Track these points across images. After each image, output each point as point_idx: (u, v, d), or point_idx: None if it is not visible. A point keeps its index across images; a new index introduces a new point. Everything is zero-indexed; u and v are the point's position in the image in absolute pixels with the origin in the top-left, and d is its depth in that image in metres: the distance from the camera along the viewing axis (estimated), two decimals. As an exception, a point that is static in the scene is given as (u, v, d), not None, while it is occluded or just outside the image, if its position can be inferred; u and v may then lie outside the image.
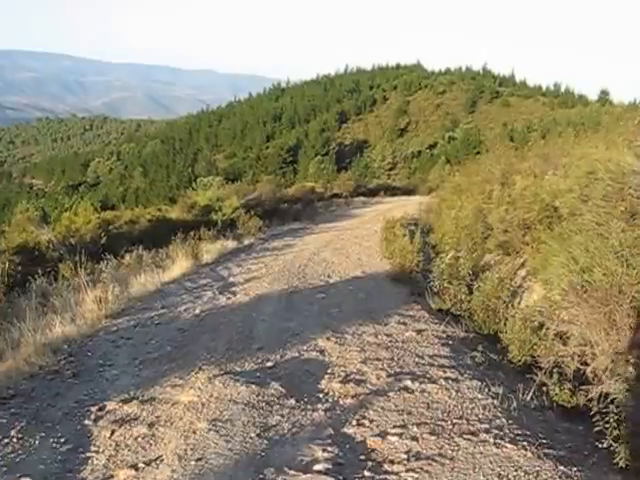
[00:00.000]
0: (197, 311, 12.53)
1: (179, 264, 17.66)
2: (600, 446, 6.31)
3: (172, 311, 12.65)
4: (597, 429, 6.44)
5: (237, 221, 27.30)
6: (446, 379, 8.02)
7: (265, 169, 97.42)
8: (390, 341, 9.99)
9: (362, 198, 54.06)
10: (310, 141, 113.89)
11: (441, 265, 13.29)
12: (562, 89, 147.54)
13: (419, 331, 10.59)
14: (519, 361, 8.90)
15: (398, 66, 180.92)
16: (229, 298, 13.83)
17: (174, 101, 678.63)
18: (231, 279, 16.48)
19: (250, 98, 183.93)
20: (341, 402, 7.47)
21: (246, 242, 24.86)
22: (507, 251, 15.56)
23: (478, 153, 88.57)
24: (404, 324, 11.16)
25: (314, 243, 24.40)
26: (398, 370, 8.48)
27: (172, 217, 26.78)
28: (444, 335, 10.50)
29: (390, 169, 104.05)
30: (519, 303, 11.49)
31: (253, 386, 7.85)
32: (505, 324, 10.00)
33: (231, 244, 23.37)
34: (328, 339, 10.11)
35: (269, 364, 9.00)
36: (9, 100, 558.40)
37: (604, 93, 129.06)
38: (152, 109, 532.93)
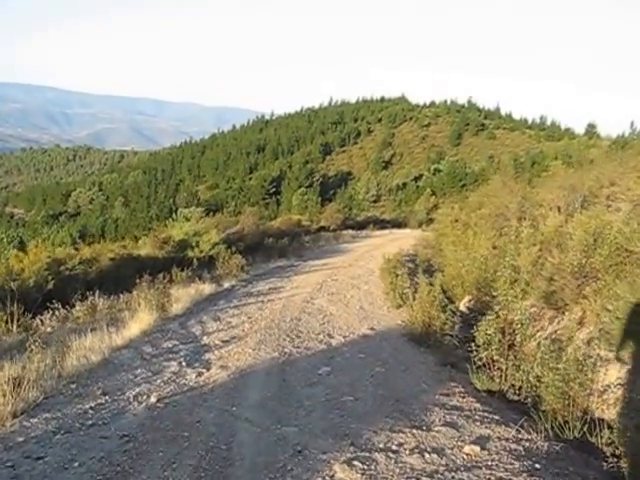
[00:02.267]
0: (153, 399, 8.60)
1: (140, 318, 13.81)
2: None
3: (117, 399, 8.72)
4: None
5: (216, 259, 23.46)
6: None
7: (248, 200, 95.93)
8: (446, 467, 6.31)
9: (351, 231, 51.07)
10: (294, 172, 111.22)
11: (488, 330, 9.56)
12: (548, 122, 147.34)
13: (482, 442, 6.92)
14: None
15: (383, 99, 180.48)
16: (200, 374, 9.93)
17: (158, 133, 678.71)
18: (205, 340, 12.62)
19: (234, 130, 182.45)
20: None
21: (226, 285, 20.90)
22: (555, 304, 11.97)
23: (464, 186, 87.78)
24: (454, 426, 7.50)
25: (305, 286, 20.65)
26: None
27: (141, 254, 22.99)
28: (521, 449, 6.83)
29: (374, 201, 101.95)
30: (597, 383, 8.19)
31: None
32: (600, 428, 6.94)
33: (208, 288, 19.38)
34: (349, 465, 6.35)
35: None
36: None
37: (591, 126, 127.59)
38: (136, 141, 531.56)
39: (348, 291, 19.57)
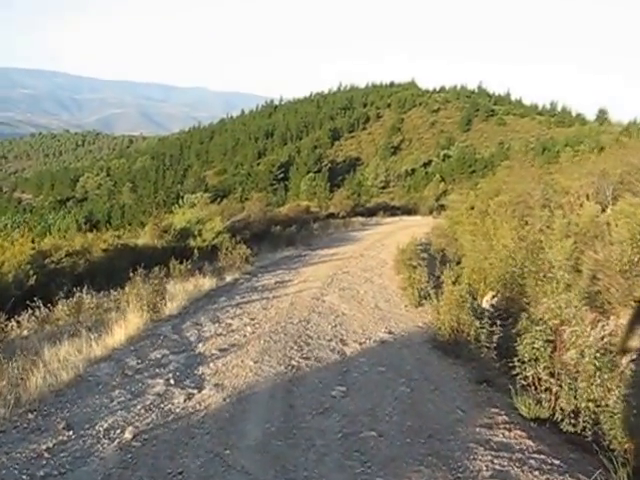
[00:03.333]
0: (128, 435, 6.78)
1: (129, 320, 12.02)
2: None
3: (83, 434, 6.89)
4: None
5: (219, 249, 21.63)
6: None
7: (256, 186, 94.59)
8: None
9: (360, 218, 49.50)
10: (302, 158, 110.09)
11: (536, 342, 7.82)
12: (559, 108, 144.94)
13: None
14: None
15: (392, 84, 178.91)
16: (189, 396, 8.15)
17: (167, 118, 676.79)
18: (200, 348, 10.84)
19: (242, 115, 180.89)
20: None
21: (229, 278, 18.99)
22: (599, 306, 10.28)
23: (474, 172, 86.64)
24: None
25: (314, 280, 18.83)
26: None
27: (138, 244, 21.23)
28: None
29: (383, 187, 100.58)
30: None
31: None
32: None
33: (208, 282, 17.44)
34: None
35: None
36: (4, 116, 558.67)
37: (602, 112, 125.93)
38: (145, 126, 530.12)
39: (361, 285, 17.87)
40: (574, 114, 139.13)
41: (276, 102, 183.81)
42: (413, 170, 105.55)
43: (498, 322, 10.00)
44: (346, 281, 18.58)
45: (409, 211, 61.76)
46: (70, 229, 54.03)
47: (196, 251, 20.37)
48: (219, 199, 52.55)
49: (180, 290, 15.73)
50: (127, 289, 14.65)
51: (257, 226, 30.75)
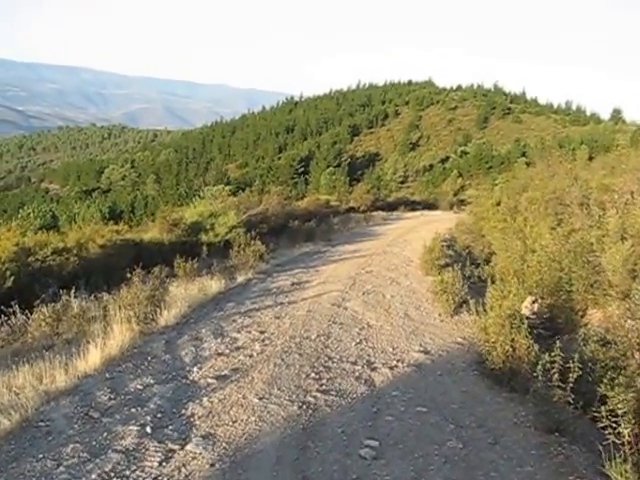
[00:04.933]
0: None
1: (113, 335, 9.64)
2: None
3: None
4: None
5: (233, 245, 19.23)
6: None
7: (277, 179, 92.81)
8: None
9: (381, 213, 47.06)
10: (322, 153, 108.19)
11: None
12: (574, 107, 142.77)
13: None
14: None
15: (410, 82, 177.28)
16: (168, 456, 5.75)
17: (191, 113, 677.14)
18: (194, 374, 8.47)
19: (264, 111, 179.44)
20: None
21: (240, 279, 16.47)
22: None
23: (490, 168, 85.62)
24: None
25: (335, 281, 16.40)
26: None
27: (143, 239, 18.92)
28: None
29: (402, 182, 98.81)
30: None
31: None
32: None
33: (216, 284, 14.89)
34: None
35: None
36: (33, 109, 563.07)
37: (617, 112, 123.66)
38: (169, 121, 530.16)
39: (386, 288, 15.43)
40: (588, 113, 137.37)
41: (296, 99, 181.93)
42: (431, 166, 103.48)
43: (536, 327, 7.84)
44: (370, 282, 16.17)
45: (429, 206, 59.57)
46: (94, 218, 52.82)
47: (205, 248, 17.96)
48: (241, 191, 51.13)
49: (182, 294, 13.34)
50: (122, 292, 12.33)
51: (275, 220, 28.52)
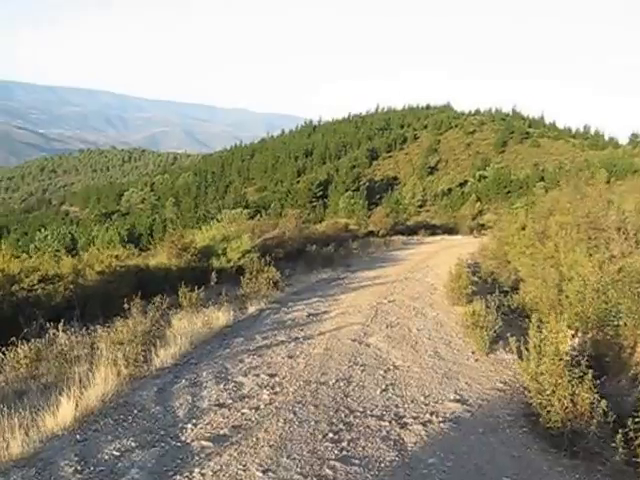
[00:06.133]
0: None
1: (96, 379, 8.13)
2: None
3: None
4: None
5: (245, 271, 17.71)
6: None
7: (295, 203, 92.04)
8: None
9: (401, 237, 45.85)
10: (341, 176, 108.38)
11: None
12: (592, 131, 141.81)
13: None
14: None
15: (428, 106, 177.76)
16: None
17: (210, 137, 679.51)
18: (186, 434, 6.88)
19: (283, 134, 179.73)
20: None
21: (251, 309, 14.92)
22: None
23: (509, 192, 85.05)
24: None
25: (355, 311, 14.84)
26: None
27: (149, 265, 17.49)
28: None
29: (420, 206, 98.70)
30: None
31: None
32: None
33: (224, 316, 13.27)
34: None
35: None
36: (55, 132, 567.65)
37: (635, 136, 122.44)
38: (189, 144, 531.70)
39: (411, 320, 13.86)
40: (607, 138, 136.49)
41: (315, 123, 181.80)
42: (449, 190, 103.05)
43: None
44: (393, 314, 14.61)
45: (449, 230, 58.38)
46: (112, 241, 52.20)
47: (214, 274, 16.42)
48: (258, 215, 50.32)
49: (185, 327, 11.78)
50: (116, 326, 10.89)
51: (292, 244, 27.14)
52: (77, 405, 7.38)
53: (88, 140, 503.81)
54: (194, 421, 7.31)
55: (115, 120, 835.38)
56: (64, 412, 7.12)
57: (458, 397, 8.33)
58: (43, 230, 66.29)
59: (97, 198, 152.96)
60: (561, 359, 7.02)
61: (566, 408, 6.70)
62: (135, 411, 7.64)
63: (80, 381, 8.15)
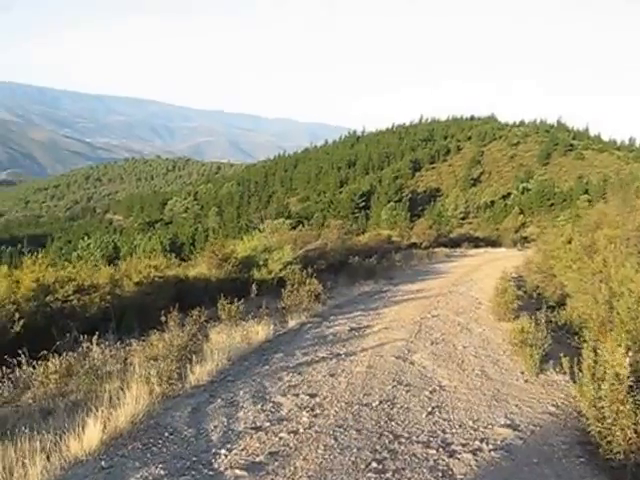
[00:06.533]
0: None
1: (128, 399, 7.63)
2: None
3: None
4: None
5: (286, 283, 17.26)
6: None
7: (337, 213, 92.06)
8: None
9: (444, 249, 45.28)
10: (383, 187, 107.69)
11: None
12: (637, 143, 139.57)
13: None
14: None
15: (472, 117, 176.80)
16: None
17: (254, 147, 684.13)
18: (219, 461, 6.36)
19: (326, 145, 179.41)
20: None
21: (292, 323, 14.54)
22: None
23: (552, 205, 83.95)
24: None
25: (398, 326, 14.30)
26: None
27: (188, 276, 17.14)
28: None
29: (462, 218, 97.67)
30: None
31: None
32: None
33: (264, 330, 12.85)
34: None
35: None
36: (101, 141, 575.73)
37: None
38: (233, 154, 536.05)
39: (457, 336, 13.29)
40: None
41: (359, 133, 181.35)
42: (492, 202, 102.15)
43: None
44: (437, 329, 14.08)
45: (492, 243, 57.66)
46: (155, 250, 52.15)
47: (255, 286, 16.01)
48: (301, 225, 50.06)
49: (223, 342, 11.33)
50: (152, 339, 10.50)
51: (334, 256, 26.68)
52: (105, 427, 6.93)
53: (134, 149, 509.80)
54: (228, 446, 6.84)
55: (161, 129, 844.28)
56: (90, 435, 6.68)
57: (508, 422, 7.77)
58: (86, 238, 66.50)
59: (141, 207, 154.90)
60: (622, 383, 6.48)
61: (629, 439, 6.17)
62: (166, 434, 7.20)
63: (110, 399, 7.74)
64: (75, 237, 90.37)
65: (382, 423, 7.62)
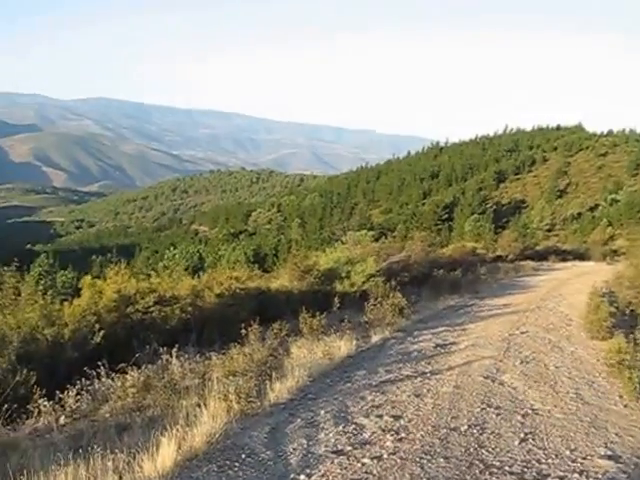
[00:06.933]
0: None
1: (204, 417, 7.33)
2: None
3: None
4: None
5: (370, 296, 16.83)
6: None
7: (420, 225, 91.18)
8: None
9: (531, 262, 43.95)
10: (467, 199, 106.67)
11: None
12: None
13: None
14: None
15: (559, 127, 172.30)
16: None
17: (336, 158, 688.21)
18: None
19: (408, 156, 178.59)
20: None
21: (375, 338, 14.01)
22: None
23: None
24: None
25: (485, 343, 13.70)
26: None
27: (270, 288, 16.88)
28: None
29: (548, 230, 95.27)
30: None
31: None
32: None
33: (346, 345, 12.39)
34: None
35: None
36: (187, 154, 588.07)
37: None
38: (316, 165, 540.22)
39: (548, 355, 12.59)
40: None
41: (442, 144, 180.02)
42: (579, 214, 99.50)
43: None
44: (527, 347, 13.41)
45: (580, 256, 55.88)
46: (239, 261, 52.55)
47: (336, 300, 15.59)
48: (383, 237, 49.65)
49: (304, 357, 10.99)
50: (232, 353, 10.21)
51: (417, 268, 26.19)
52: (179, 447, 6.64)
53: (219, 161, 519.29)
54: (308, 471, 6.43)
55: (245, 142, 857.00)
56: (164, 454, 6.39)
57: (609, 452, 7.14)
58: (172, 249, 67.49)
59: (225, 218, 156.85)
60: None
61: None
62: (243, 456, 6.82)
63: (187, 416, 7.46)
64: (162, 247, 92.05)
65: (471, 450, 7.12)
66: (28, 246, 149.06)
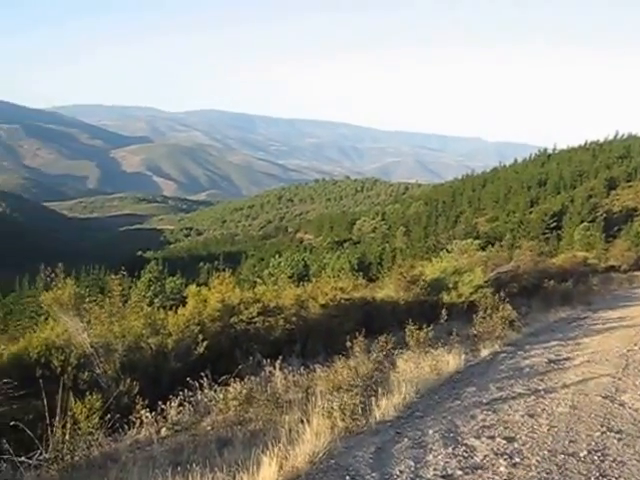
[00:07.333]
0: None
1: (307, 434, 7.03)
2: None
3: None
4: None
5: (478, 308, 16.27)
6: None
7: (527, 234, 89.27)
8: None
9: (646, 273, 41.84)
10: (576, 207, 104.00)
11: None
12: None
13: None
14: None
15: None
16: None
17: (442, 167, 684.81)
18: None
19: (515, 164, 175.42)
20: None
21: (484, 353, 13.47)
22: None
23: None
24: None
25: (601, 359, 12.90)
26: None
27: (375, 298, 16.52)
28: None
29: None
30: None
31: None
32: None
33: (454, 360, 11.83)
34: None
35: None
36: (292, 163, 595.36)
37: None
38: (420, 174, 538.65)
39: (670, 373, 11.89)
40: None
41: (550, 151, 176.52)
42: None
43: None
44: (647, 370, 12.62)
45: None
46: (343, 269, 52.44)
47: (444, 311, 15.08)
48: (490, 246, 48.80)
49: (410, 371, 10.53)
50: (336, 366, 9.90)
51: (527, 279, 25.48)
52: (281, 467, 6.30)
53: (323, 170, 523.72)
54: (414, 498, 6.03)
55: (349, 151, 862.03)
56: (265, 474, 6.07)
57: None
58: (278, 256, 67.93)
59: (330, 226, 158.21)
60: None
61: None
62: (347, 477, 6.41)
63: (289, 432, 7.15)
64: (267, 255, 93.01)
65: (592, 479, 6.58)
66: (139, 253, 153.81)
